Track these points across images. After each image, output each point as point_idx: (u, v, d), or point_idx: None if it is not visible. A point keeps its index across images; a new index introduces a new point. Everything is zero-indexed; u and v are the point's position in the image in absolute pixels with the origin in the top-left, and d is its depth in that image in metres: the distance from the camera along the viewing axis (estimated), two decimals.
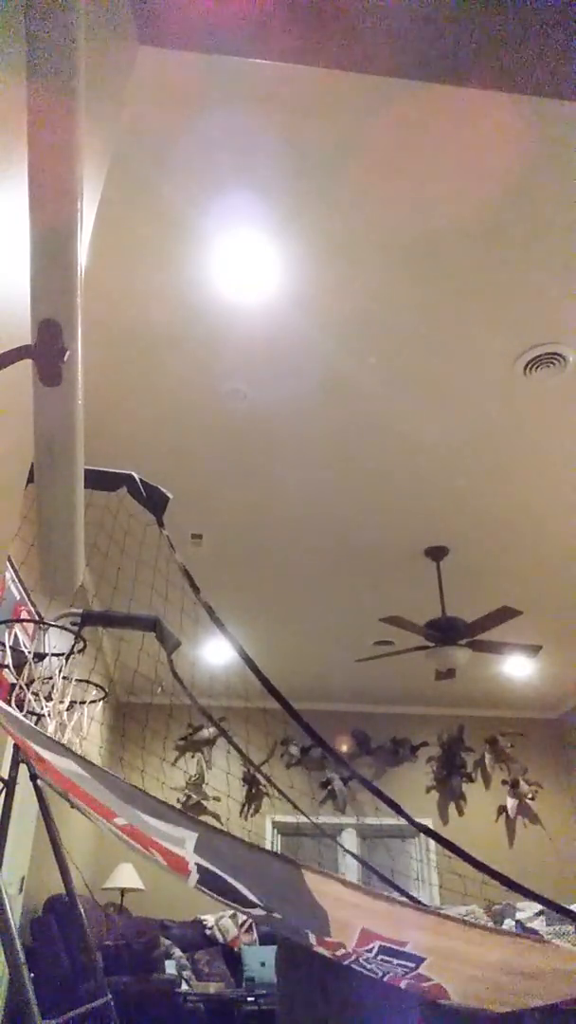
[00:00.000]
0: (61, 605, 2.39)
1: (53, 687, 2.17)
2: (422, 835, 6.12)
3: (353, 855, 6.35)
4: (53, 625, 2.25)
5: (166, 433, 3.95)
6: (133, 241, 2.83)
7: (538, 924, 5.65)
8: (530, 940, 1.09)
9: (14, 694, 2.04)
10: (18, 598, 2.67)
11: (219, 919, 6.09)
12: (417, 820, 2.00)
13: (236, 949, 5.89)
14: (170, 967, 5.01)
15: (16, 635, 2.34)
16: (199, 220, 2.73)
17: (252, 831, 6.78)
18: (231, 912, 5.92)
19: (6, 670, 2.09)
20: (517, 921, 5.76)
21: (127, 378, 3.56)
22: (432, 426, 3.87)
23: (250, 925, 6.04)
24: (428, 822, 7.15)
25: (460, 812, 7.55)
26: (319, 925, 1.24)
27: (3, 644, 2.15)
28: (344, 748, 7.56)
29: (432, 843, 7.05)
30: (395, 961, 1.24)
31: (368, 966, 1.34)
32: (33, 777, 2.13)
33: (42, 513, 1.89)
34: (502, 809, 7.54)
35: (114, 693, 6.91)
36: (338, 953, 1.36)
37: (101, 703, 2.77)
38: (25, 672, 2.07)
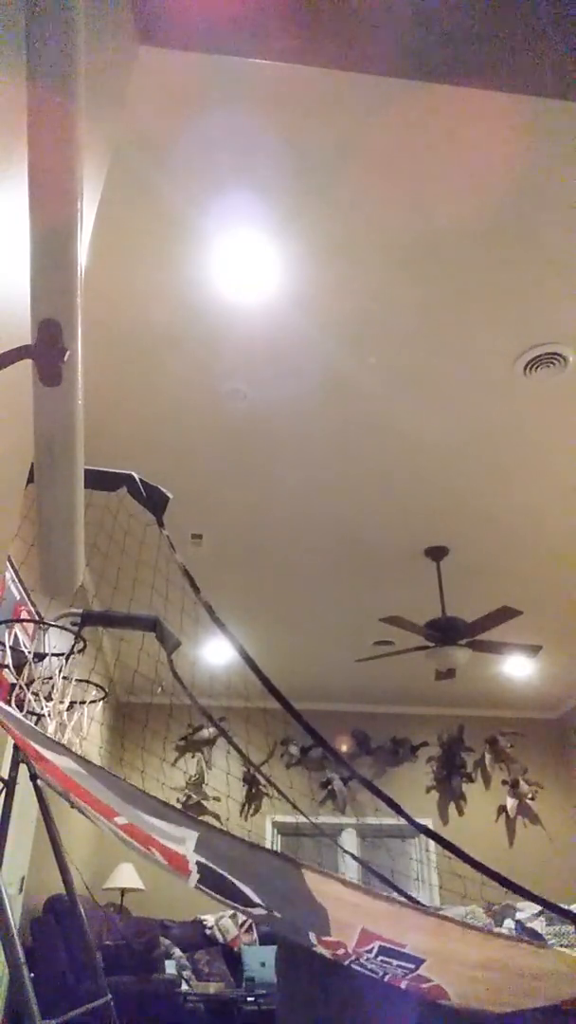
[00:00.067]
0: (61, 605, 2.39)
1: (53, 687, 2.17)
2: (422, 835, 6.12)
3: (353, 856, 6.35)
4: (53, 625, 2.25)
5: (166, 433, 3.95)
6: (133, 241, 2.83)
7: (538, 924, 5.65)
8: (530, 944, 1.10)
9: (14, 694, 2.04)
10: (18, 598, 2.67)
11: (219, 919, 6.09)
12: (417, 820, 2.00)
13: (236, 949, 5.89)
14: (170, 967, 5.01)
15: (16, 635, 2.34)
16: (199, 220, 2.73)
17: (252, 831, 6.77)
18: (231, 912, 5.92)
19: (6, 670, 2.09)
20: (517, 921, 5.76)
21: (127, 378, 3.56)
22: (432, 426, 3.87)
23: (250, 925, 6.04)
24: (428, 822, 7.15)
25: (460, 812, 7.55)
26: (319, 924, 1.24)
27: (3, 644, 2.15)
28: (344, 748, 7.56)
29: (432, 843, 7.05)
30: (395, 962, 1.24)
31: (368, 966, 1.34)
32: (33, 777, 2.13)
33: (42, 513, 1.89)
34: (502, 809, 7.54)
35: (114, 693, 6.91)
36: (338, 953, 1.36)
37: (101, 703, 2.77)
38: (25, 672, 2.07)
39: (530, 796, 7.50)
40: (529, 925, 5.63)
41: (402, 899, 1.35)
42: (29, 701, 2.04)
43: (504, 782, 7.65)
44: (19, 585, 2.70)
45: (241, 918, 5.98)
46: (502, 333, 3.26)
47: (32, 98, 1.21)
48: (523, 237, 2.81)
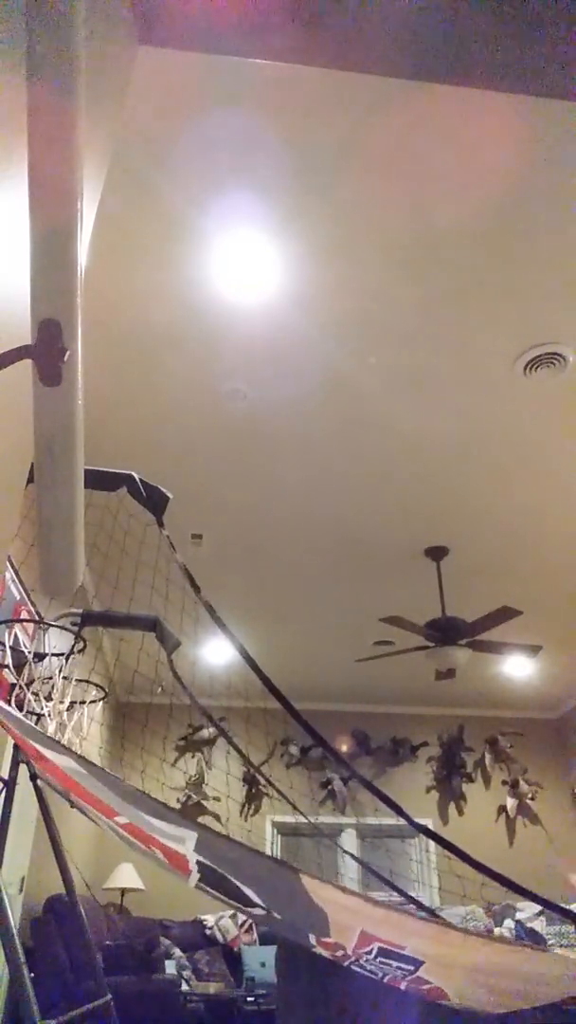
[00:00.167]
0: (61, 605, 2.39)
1: (53, 687, 2.17)
2: (422, 836, 6.12)
3: (352, 856, 6.35)
4: (53, 625, 2.25)
5: (166, 433, 3.95)
6: (133, 241, 2.83)
7: (538, 924, 5.65)
8: (529, 948, 1.10)
9: (14, 694, 2.04)
10: (18, 598, 2.67)
11: (219, 919, 6.09)
12: (417, 820, 2.00)
13: (236, 949, 5.89)
14: (170, 967, 5.01)
15: (16, 635, 2.34)
16: (199, 220, 2.73)
17: (252, 831, 6.78)
18: (231, 912, 5.92)
19: (6, 670, 2.09)
20: (517, 922, 5.76)
21: (127, 378, 3.56)
22: (432, 426, 3.87)
23: (250, 925, 6.04)
24: (428, 822, 7.15)
25: (460, 812, 7.55)
26: (319, 926, 1.24)
27: (3, 644, 2.15)
28: (344, 748, 7.56)
29: (432, 844, 7.05)
30: (394, 963, 1.24)
31: (368, 967, 1.34)
32: (33, 777, 2.13)
33: (42, 513, 1.89)
34: (502, 809, 7.54)
35: (114, 693, 6.91)
36: (338, 954, 1.36)
37: (101, 703, 2.77)
38: (25, 672, 2.07)
39: (530, 796, 7.50)
40: (529, 925, 5.63)
41: (401, 907, 1.36)
42: (29, 701, 2.04)
43: (504, 782, 7.65)
44: (19, 585, 2.70)
45: (241, 918, 5.98)
46: (502, 333, 3.26)
47: (32, 98, 1.21)
48: (523, 237, 2.81)
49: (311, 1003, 2.08)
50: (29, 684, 2.07)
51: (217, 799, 7.03)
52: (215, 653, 5.76)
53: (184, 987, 4.74)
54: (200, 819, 6.97)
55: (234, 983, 5.43)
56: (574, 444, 3.99)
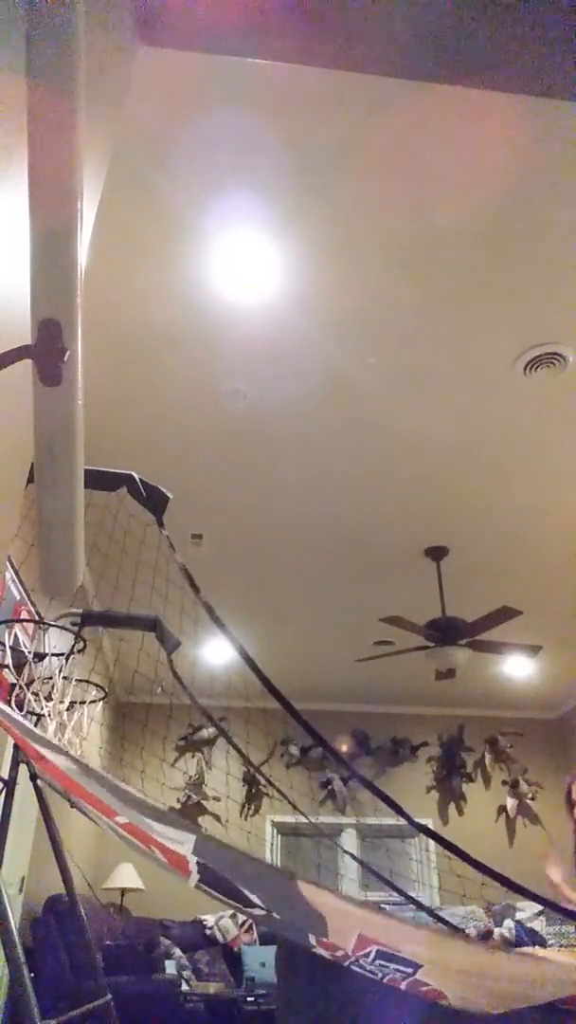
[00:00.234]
0: (61, 605, 2.39)
1: (53, 687, 2.17)
2: (422, 835, 6.12)
3: (352, 856, 6.35)
4: (53, 625, 2.25)
5: (166, 433, 3.95)
6: (133, 241, 2.83)
7: (538, 924, 5.65)
8: (528, 957, 1.11)
9: (14, 694, 2.04)
10: (18, 598, 2.67)
11: (219, 919, 6.09)
12: (417, 820, 1.99)
13: (236, 949, 5.90)
14: (170, 967, 5.01)
15: (16, 635, 2.34)
16: (199, 220, 2.73)
17: (252, 832, 6.78)
18: (231, 912, 5.93)
19: (6, 670, 2.09)
20: (517, 921, 5.76)
21: (127, 378, 3.56)
22: (432, 426, 3.87)
23: (250, 925, 6.04)
24: (428, 822, 7.15)
25: (460, 812, 7.55)
26: (318, 927, 1.24)
27: (3, 644, 2.15)
28: (344, 748, 7.56)
29: (432, 843, 7.05)
30: (392, 966, 1.24)
31: (367, 967, 1.34)
32: (33, 777, 2.13)
33: (42, 513, 1.89)
34: (502, 809, 7.54)
35: (114, 693, 6.91)
36: (337, 954, 1.36)
37: (101, 703, 2.77)
38: (25, 672, 2.07)
39: (530, 796, 7.50)
40: (529, 925, 5.62)
41: (398, 914, 1.37)
42: (29, 701, 2.04)
43: (504, 782, 7.65)
44: (19, 585, 2.70)
45: (241, 918, 5.98)
46: (502, 333, 3.26)
47: (32, 98, 1.21)
48: (523, 237, 2.81)
49: (311, 1003, 2.08)
50: (29, 684, 2.07)
51: (217, 799, 7.03)
52: (215, 653, 5.76)
53: (184, 987, 4.74)
54: (200, 819, 6.97)
55: (234, 983, 5.43)
56: (574, 444, 3.99)
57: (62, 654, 2.24)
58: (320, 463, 4.19)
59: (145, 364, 3.47)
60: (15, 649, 2.19)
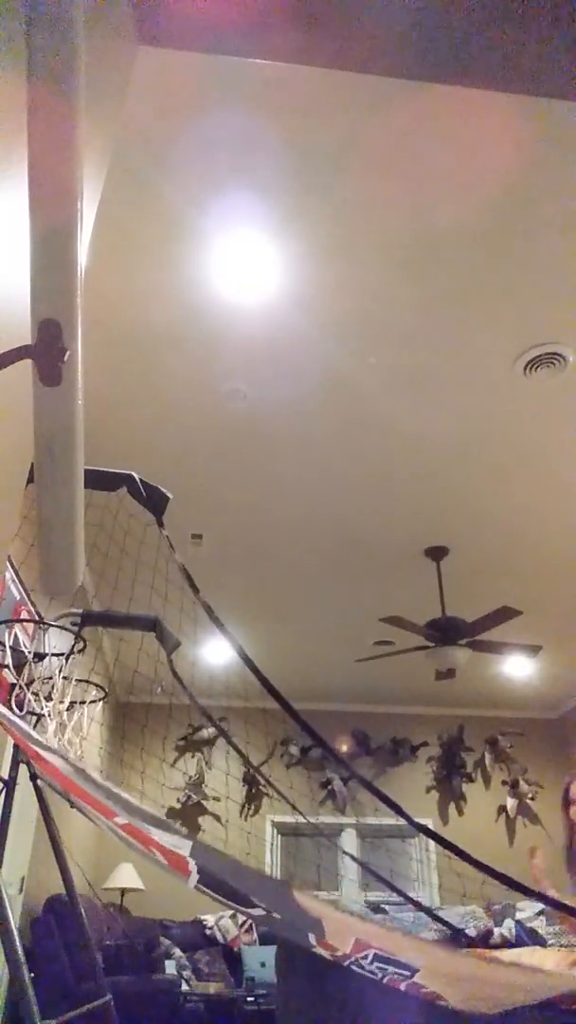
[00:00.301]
0: (61, 605, 2.39)
1: (53, 687, 2.17)
2: (422, 835, 6.12)
3: (352, 857, 6.35)
4: (53, 625, 2.25)
5: (166, 433, 3.95)
6: (133, 241, 2.83)
7: (538, 924, 5.65)
8: (518, 967, 1.13)
9: (14, 694, 2.04)
10: (18, 598, 2.67)
11: (219, 919, 6.09)
12: (417, 820, 2.00)
13: (236, 949, 5.90)
14: (170, 967, 5.01)
15: (16, 635, 2.34)
16: (199, 220, 2.73)
17: (252, 832, 6.78)
18: (231, 912, 5.93)
19: (6, 670, 2.09)
20: (517, 921, 5.76)
21: (127, 378, 3.56)
22: (432, 426, 3.87)
23: (250, 925, 6.04)
24: (428, 822, 7.15)
25: (460, 812, 7.55)
26: (316, 929, 1.25)
27: (3, 644, 2.15)
28: (344, 748, 7.55)
29: (432, 843, 7.05)
30: (390, 968, 1.25)
31: (367, 968, 1.35)
32: (33, 777, 2.13)
33: (42, 513, 1.89)
34: (502, 809, 7.54)
35: (114, 693, 6.91)
36: (337, 955, 1.36)
37: (101, 703, 2.77)
38: (25, 672, 2.07)
39: (530, 796, 7.50)
40: (529, 925, 5.63)
41: (394, 925, 1.39)
42: (29, 701, 2.04)
43: (504, 782, 7.65)
44: (19, 585, 2.70)
45: (241, 918, 5.98)
46: (502, 333, 3.26)
47: (32, 98, 1.21)
48: (523, 237, 2.81)
49: (311, 1003, 2.08)
50: (29, 684, 2.07)
51: (217, 799, 7.03)
52: (215, 653, 5.76)
53: (184, 987, 4.74)
54: (200, 819, 6.98)
55: (234, 983, 5.43)
56: (574, 444, 3.99)
57: (62, 654, 2.24)
58: (320, 463, 4.19)
59: (145, 364, 3.47)
60: (15, 649, 2.19)
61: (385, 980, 1.35)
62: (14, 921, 1.65)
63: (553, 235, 2.79)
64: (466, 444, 4.02)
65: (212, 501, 4.51)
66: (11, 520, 1.88)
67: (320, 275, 2.98)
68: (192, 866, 1.31)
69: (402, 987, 1.33)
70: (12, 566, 2.47)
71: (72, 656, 2.24)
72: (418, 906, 3.02)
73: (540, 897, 1.96)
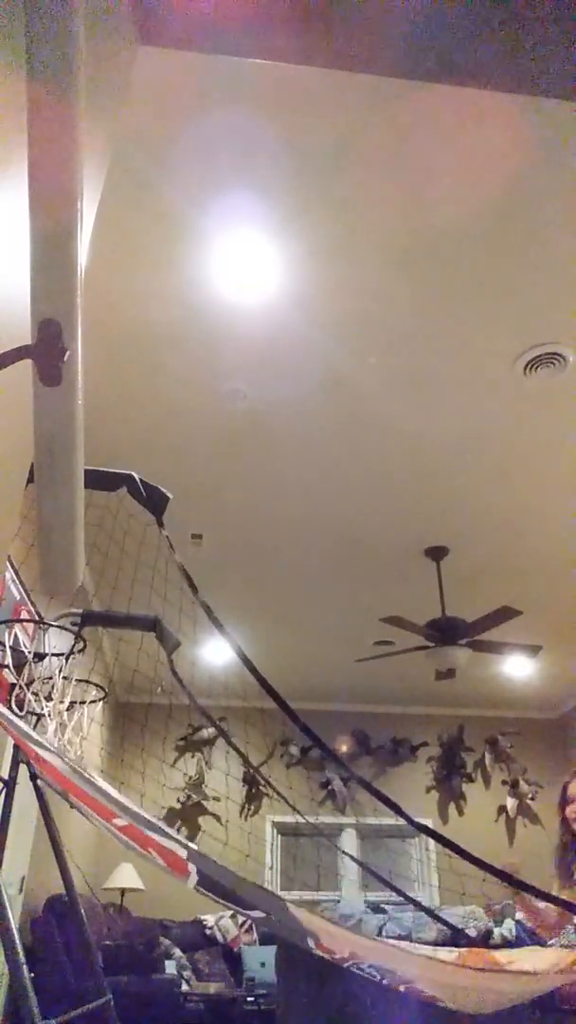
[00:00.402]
0: (61, 605, 2.39)
1: (53, 687, 2.17)
2: (422, 835, 6.12)
3: (352, 857, 6.35)
4: (53, 625, 2.25)
5: (166, 433, 3.95)
6: (133, 241, 2.83)
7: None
8: (508, 973, 1.14)
9: (14, 694, 2.04)
10: (18, 598, 2.67)
11: (219, 919, 6.09)
12: (417, 820, 2.00)
13: (236, 949, 5.90)
14: (170, 967, 5.01)
15: (16, 635, 2.34)
16: (199, 220, 2.73)
17: (252, 832, 6.77)
18: (231, 912, 5.93)
19: (6, 670, 2.09)
20: (517, 921, 5.75)
21: (127, 378, 3.56)
22: (432, 426, 3.87)
23: (250, 925, 6.05)
24: (428, 822, 7.15)
25: (460, 812, 7.55)
26: (314, 936, 1.26)
27: (3, 644, 2.15)
28: (344, 748, 7.55)
29: (432, 843, 7.05)
30: (387, 974, 1.27)
31: (366, 970, 1.36)
32: (33, 777, 2.13)
33: (42, 513, 1.89)
34: (502, 809, 7.54)
35: (114, 693, 6.91)
36: (335, 957, 1.37)
37: (101, 703, 2.77)
38: (25, 672, 2.07)
39: (530, 796, 7.50)
40: (529, 925, 5.62)
41: (389, 940, 1.41)
42: (29, 701, 2.04)
43: (504, 782, 7.65)
44: (19, 585, 2.70)
45: (241, 918, 5.98)
46: (502, 333, 3.26)
47: (32, 98, 1.21)
48: (522, 237, 2.81)
49: (311, 1002, 2.08)
50: (29, 684, 2.07)
51: (217, 799, 7.03)
52: (214, 653, 5.76)
53: (184, 987, 4.74)
54: (200, 819, 6.97)
55: (234, 983, 5.43)
56: (574, 444, 3.99)
57: (62, 654, 2.24)
58: (320, 463, 4.19)
59: (145, 364, 3.47)
60: (15, 649, 2.19)
61: (384, 981, 1.36)
62: (14, 921, 1.65)
63: (553, 235, 2.79)
64: (466, 444, 4.01)
65: (212, 501, 4.51)
66: (11, 520, 1.88)
67: (320, 275, 2.98)
68: (191, 868, 1.31)
69: (401, 988, 1.34)
70: (12, 566, 2.47)
71: (72, 656, 2.24)
72: (418, 906, 3.02)
73: (541, 895, 1.96)
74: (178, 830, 6.65)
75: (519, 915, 3.04)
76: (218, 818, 6.85)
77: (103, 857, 6.18)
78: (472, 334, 3.28)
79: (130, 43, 2.09)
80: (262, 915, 1.39)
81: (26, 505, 1.90)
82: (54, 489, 1.82)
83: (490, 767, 7.72)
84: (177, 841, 1.23)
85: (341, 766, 7.32)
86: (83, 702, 2.29)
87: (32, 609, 2.74)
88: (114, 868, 6.16)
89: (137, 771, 5.99)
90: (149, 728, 6.91)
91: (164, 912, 5.90)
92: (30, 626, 2.41)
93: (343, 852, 6.56)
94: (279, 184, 2.61)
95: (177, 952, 5.39)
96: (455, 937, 3.23)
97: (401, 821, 1.86)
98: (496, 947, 4.23)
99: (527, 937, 5.12)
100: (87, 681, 2.34)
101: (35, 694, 2.09)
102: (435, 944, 3.03)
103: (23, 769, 2.07)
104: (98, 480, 2.26)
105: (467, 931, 3.45)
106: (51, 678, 2.18)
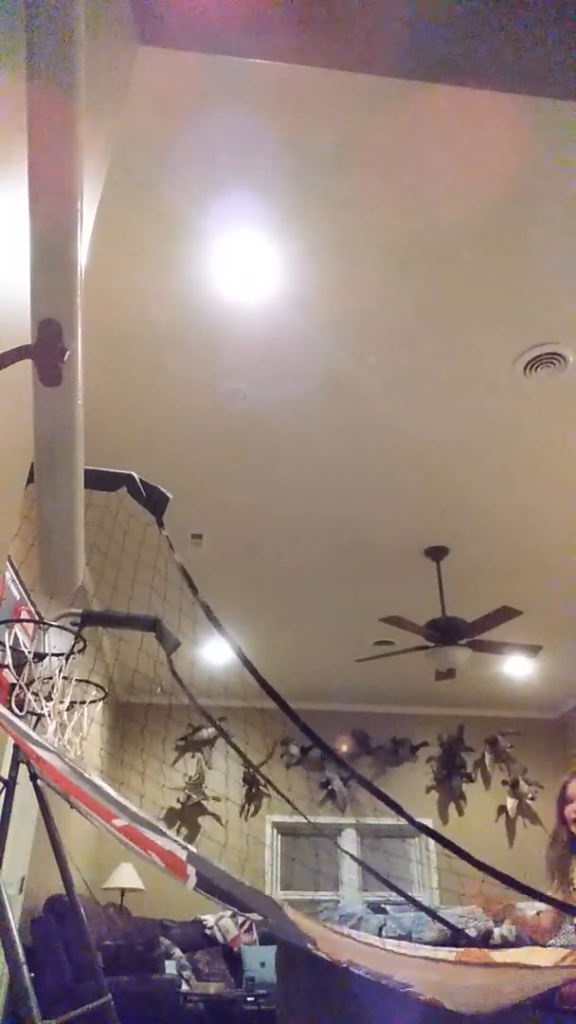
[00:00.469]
0: (61, 605, 2.39)
1: (53, 687, 2.17)
2: (422, 835, 6.12)
3: (352, 856, 6.35)
4: (53, 625, 2.25)
5: (166, 433, 3.95)
6: (133, 241, 2.83)
7: None
8: (507, 968, 1.14)
9: (14, 694, 2.04)
10: (18, 598, 2.67)
11: (219, 919, 6.09)
12: (417, 820, 1.99)
13: (236, 949, 5.90)
14: (170, 967, 5.01)
15: (16, 635, 2.34)
16: (199, 220, 2.73)
17: (251, 832, 6.77)
18: (231, 912, 5.92)
19: (6, 670, 2.09)
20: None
21: (127, 378, 3.56)
22: (432, 426, 3.87)
23: (250, 925, 6.05)
24: (428, 822, 7.14)
25: (460, 812, 7.55)
26: (312, 940, 1.26)
27: (3, 644, 2.15)
28: (344, 748, 7.55)
29: (432, 842, 7.05)
30: (386, 978, 1.27)
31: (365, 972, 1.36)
32: (33, 777, 2.13)
33: (42, 513, 1.89)
34: (502, 809, 7.54)
35: (114, 693, 6.91)
36: (334, 958, 1.38)
37: (101, 703, 2.77)
38: (25, 672, 2.07)
39: (530, 796, 7.50)
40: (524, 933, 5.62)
41: (387, 944, 1.40)
42: (29, 701, 2.04)
43: (504, 782, 7.65)
44: (19, 585, 2.70)
45: (241, 918, 5.98)
46: (502, 333, 3.26)
47: (32, 98, 1.21)
48: (523, 237, 2.81)
49: (311, 1003, 2.08)
50: (29, 684, 2.07)
51: (217, 799, 7.03)
52: (214, 653, 5.76)
53: (184, 987, 4.74)
54: (200, 819, 6.97)
55: (234, 983, 5.43)
56: (574, 444, 3.99)
57: (62, 654, 2.24)
58: (320, 463, 4.19)
59: (145, 364, 3.47)
60: (15, 649, 2.19)
61: (384, 982, 1.36)
62: (14, 921, 1.65)
63: (553, 235, 2.79)
64: (466, 444, 4.01)
65: (212, 501, 4.51)
66: (11, 520, 1.88)
67: (320, 275, 2.98)
68: (190, 870, 1.32)
69: (400, 989, 1.35)
70: (12, 566, 2.47)
71: (72, 656, 2.24)
72: (418, 906, 3.01)
73: (543, 896, 1.96)
74: (178, 830, 6.66)
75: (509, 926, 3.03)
76: (218, 818, 6.86)
77: (103, 857, 6.18)
78: (472, 334, 3.28)
79: (130, 43, 2.09)
80: (261, 917, 1.39)
81: (26, 505, 1.90)
82: (54, 489, 1.82)
83: (490, 767, 7.72)
84: (176, 843, 1.23)
85: (341, 765, 7.31)
86: (83, 702, 2.29)
87: (32, 609, 2.74)
88: (114, 868, 6.16)
89: (137, 771, 5.99)
90: (149, 728, 6.91)
91: (164, 912, 5.90)
92: (30, 626, 2.41)
93: (343, 851, 6.56)
94: (279, 184, 2.61)
95: (177, 952, 5.39)
96: (455, 937, 3.23)
97: (401, 821, 1.86)
98: (496, 947, 4.22)
99: (527, 938, 5.12)
100: (87, 681, 2.34)
101: (35, 694, 2.09)
102: (435, 944, 3.03)
103: (23, 769, 2.07)
104: (98, 480, 2.25)
105: (467, 931, 3.45)
106: (51, 678, 2.18)
